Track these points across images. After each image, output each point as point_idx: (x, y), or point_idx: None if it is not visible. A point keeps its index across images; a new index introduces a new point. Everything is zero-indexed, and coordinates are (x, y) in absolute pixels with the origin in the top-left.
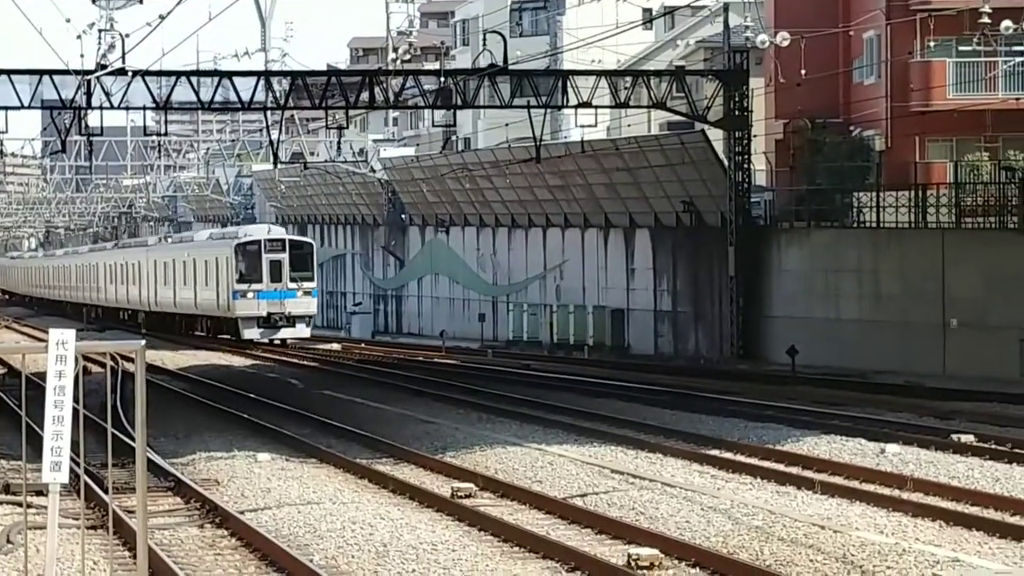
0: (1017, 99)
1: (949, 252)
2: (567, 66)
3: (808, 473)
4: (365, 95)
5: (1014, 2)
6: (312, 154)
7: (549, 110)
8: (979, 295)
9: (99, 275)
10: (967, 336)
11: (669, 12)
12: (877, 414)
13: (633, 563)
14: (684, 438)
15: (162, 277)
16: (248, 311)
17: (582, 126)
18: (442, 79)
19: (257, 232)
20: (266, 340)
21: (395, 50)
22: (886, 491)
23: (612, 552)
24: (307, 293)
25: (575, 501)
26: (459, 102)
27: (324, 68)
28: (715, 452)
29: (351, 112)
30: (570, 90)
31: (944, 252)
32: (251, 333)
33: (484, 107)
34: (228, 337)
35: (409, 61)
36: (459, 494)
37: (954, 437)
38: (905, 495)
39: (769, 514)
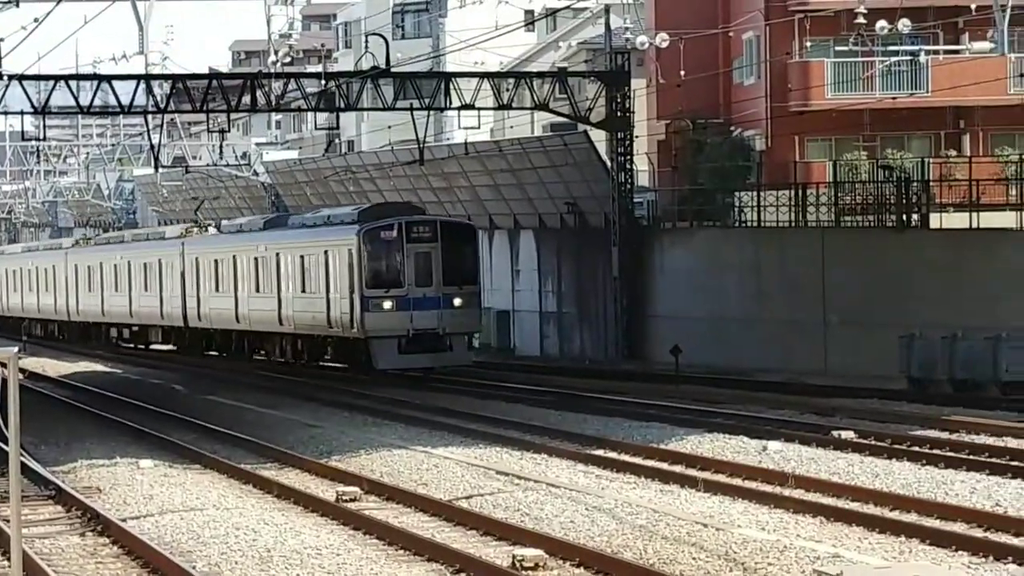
0: (894, 98)
1: (829, 251)
2: (450, 68)
3: (692, 471)
4: (247, 98)
5: (889, 3)
6: (195, 158)
7: (432, 112)
8: (859, 293)
9: (86, 279)
10: (848, 334)
11: (551, 14)
12: (759, 412)
13: (518, 564)
14: (569, 438)
15: (210, 280)
16: (385, 327)
17: (465, 128)
18: (324, 82)
19: (391, 211)
20: (413, 369)
21: (276, 53)
22: (768, 488)
23: (497, 553)
24: (468, 302)
25: (460, 503)
26: (342, 105)
27: (205, 71)
28: (600, 452)
29: (233, 115)
30: (453, 92)
31: (824, 251)
32: (390, 359)
33: (367, 109)
34: (337, 365)
35: (291, 64)
36: (344, 498)
37: (835, 434)
38: (787, 492)
39: (653, 513)
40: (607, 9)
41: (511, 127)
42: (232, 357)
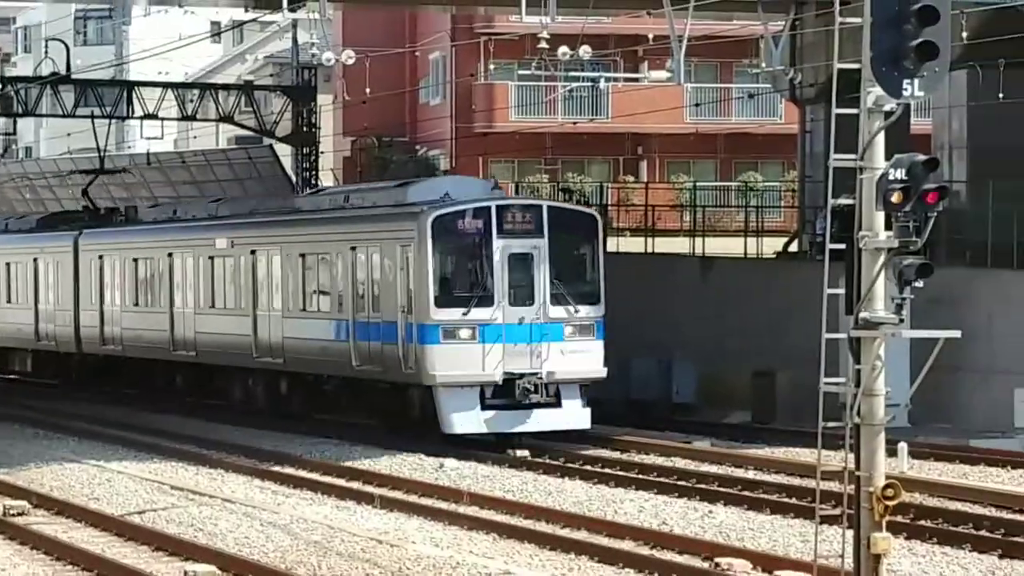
0: (575, 123)
1: None
2: (133, 77)
3: (368, 488)
4: None
5: (572, 29)
6: None
7: (114, 121)
8: None
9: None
10: None
11: (237, 26)
12: (436, 427)
13: None
14: (246, 453)
15: (125, 287)
16: (461, 370)
17: (148, 138)
18: (2, 86)
19: (468, 189)
20: (501, 434)
21: None
22: (444, 505)
23: (168, 569)
24: (585, 327)
25: (133, 518)
26: (19, 110)
27: None
28: (277, 468)
29: None
30: (136, 101)
31: None
32: (467, 420)
33: (46, 116)
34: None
35: None
36: (11, 512)
37: (510, 452)
38: (462, 509)
39: (328, 529)
40: (294, 24)
41: (195, 138)
42: (147, 394)
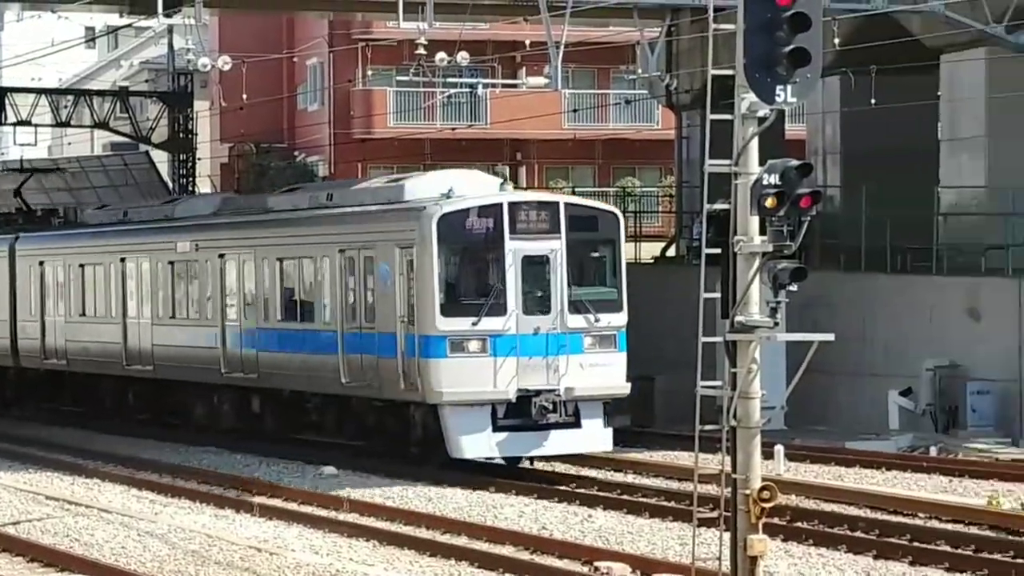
0: (453, 129)
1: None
2: (5, 83)
3: (247, 496)
4: None
5: (450, 35)
6: None
7: None
8: None
9: None
10: None
11: (112, 31)
12: (319, 436)
13: None
14: (123, 463)
15: (71, 294)
16: (470, 387)
17: (22, 144)
18: None
19: (472, 185)
20: (514, 457)
21: None
22: (323, 512)
23: None
24: (607, 338)
25: (7, 529)
26: None
27: None
28: (154, 477)
29: None
30: (9, 107)
31: None
32: (477, 443)
33: None
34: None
35: None
36: None
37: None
38: (342, 516)
39: (207, 538)
40: (170, 29)
41: (70, 144)
42: (95, 412)
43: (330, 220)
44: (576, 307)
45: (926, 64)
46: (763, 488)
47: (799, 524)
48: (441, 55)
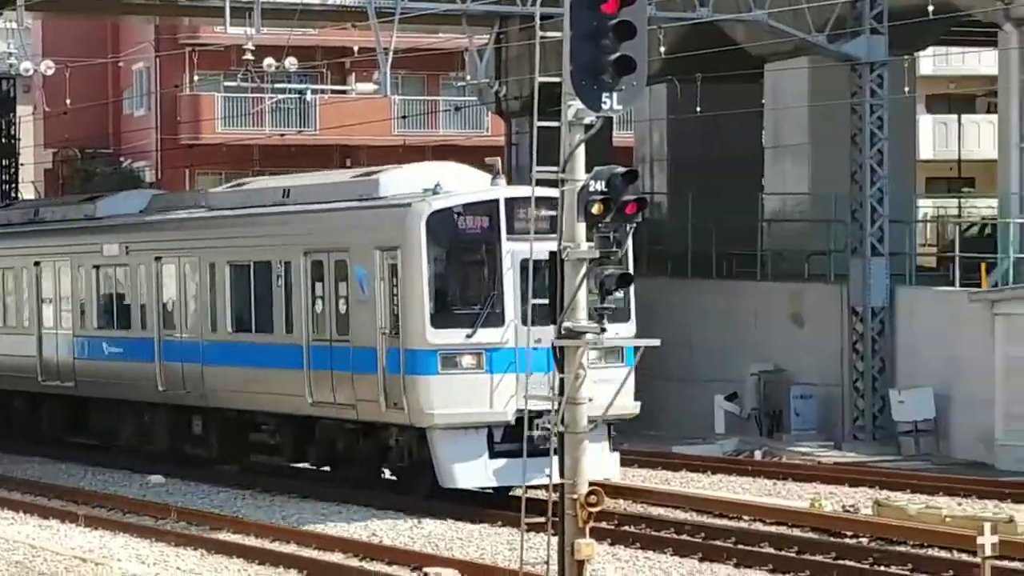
0: (282, 135)
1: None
2: None
3: (72, 507)
4: None
5: (278, 40)
6: None
7: None
8: None
9: None
10: None
11: None
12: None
13: None
14: None
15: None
16: (461, 408)
17: None
18: None
19: (459, 179)
20: (513, 486)
21: None
22: (150, 522)
23: None
24: (614, 351)
25: None
26: None
27: None
28: None
29: None
30: None
31: None
32: (471, 472)
33: None
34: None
35: None
36: None
37: (219, 468)
38: (168, 525)
39: (30, 548)
40: None
41: None
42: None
43: (292, 219)
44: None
45: (751, 72)
46: (590, 492)
47: (626, 528)
48: (269, 60)
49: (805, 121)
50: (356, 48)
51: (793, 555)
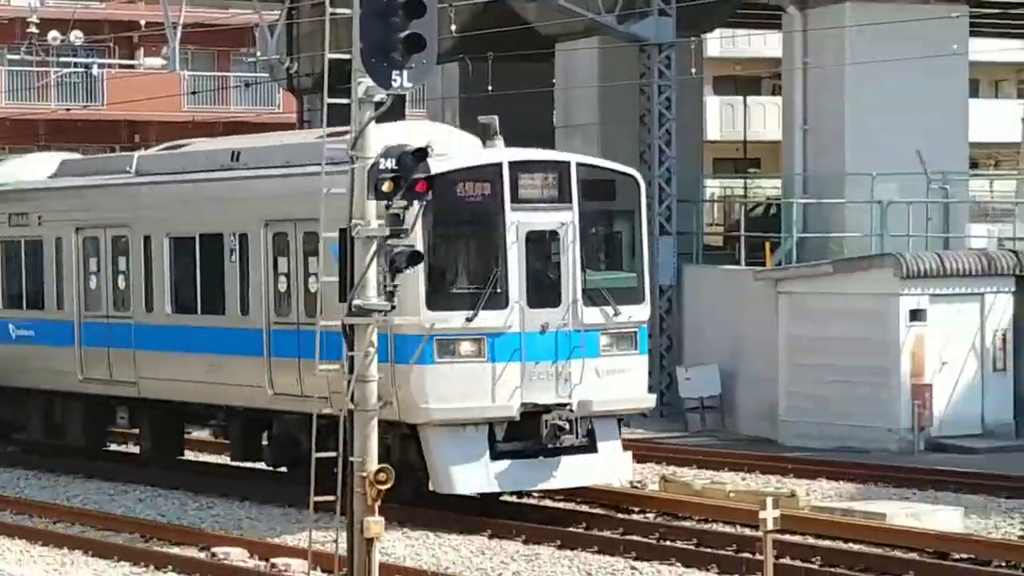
0: (68, 109)
1: None
2: None
3: None
4: None
5: (64, 14)
6: None
7: None
8: None
9: None
10: None
11: None
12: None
13: None
14: None
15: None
16: (460, 402)
17: None
18: None
19: (450, 141)
20: (516, 491)
21: None
22: None
23: None
24: (626, 336)
25: None
26: None
27: None
28: None
29: None
30: None
31: None
32: (471, 475)
33: None
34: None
35: None
36: None
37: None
38: None
39: None
40: None
41: None
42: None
43: (249, 185)
44: (592, 297)
45: (542, 52)
46: (379, 471)
47: (417, 508)
48: (54, 34)
49: (595, 101)
50: (144, 22)
51: (581, 531)
